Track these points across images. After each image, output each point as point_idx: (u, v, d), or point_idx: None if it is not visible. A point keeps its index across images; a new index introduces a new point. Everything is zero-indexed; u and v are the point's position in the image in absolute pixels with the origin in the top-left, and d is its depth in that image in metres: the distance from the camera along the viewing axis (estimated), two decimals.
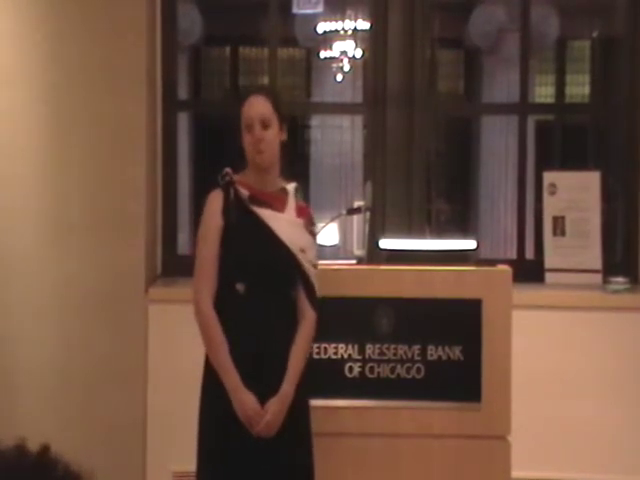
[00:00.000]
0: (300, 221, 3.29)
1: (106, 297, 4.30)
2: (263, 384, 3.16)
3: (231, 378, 3.14)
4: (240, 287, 3.19)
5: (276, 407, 3.14)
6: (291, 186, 3.34)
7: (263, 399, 3.15)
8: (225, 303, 3.20)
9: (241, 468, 3.17)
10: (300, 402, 3.23)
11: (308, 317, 3.25)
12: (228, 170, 3.29)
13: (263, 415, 3.12)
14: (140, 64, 4.37)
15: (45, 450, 1.27)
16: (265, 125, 3.25)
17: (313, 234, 3.34)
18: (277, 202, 3.28)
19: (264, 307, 3.20)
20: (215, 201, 3.25)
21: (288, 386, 3.17)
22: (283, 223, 3.25)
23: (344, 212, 3.96)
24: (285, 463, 3.20)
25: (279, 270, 3.23)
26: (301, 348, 3.23)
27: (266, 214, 3.24)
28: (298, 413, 3.23)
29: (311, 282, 3.26)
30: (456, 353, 3.53)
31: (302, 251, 3.24)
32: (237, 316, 3.19)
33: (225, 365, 3.14)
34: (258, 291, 3.20)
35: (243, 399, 3.12)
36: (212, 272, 3.20)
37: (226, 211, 3.22)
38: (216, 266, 3.21)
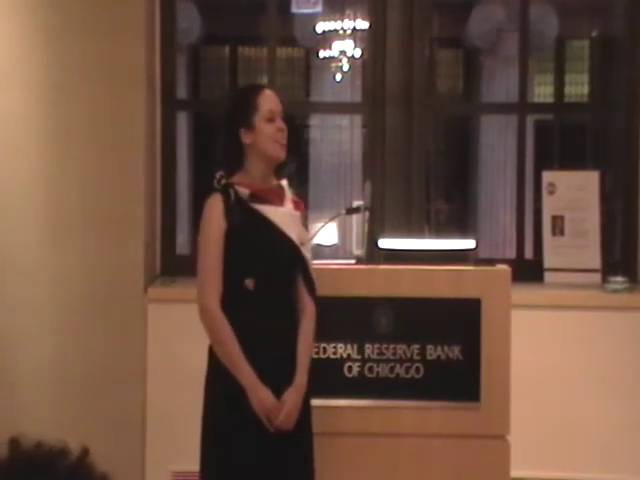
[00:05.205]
0: (298, 214, 3.33)
1: (105, 297, 4.30)
2: (280, 381, 3.17)
3: (247, 376, 3.14)
4: (249, 283, 3.19)
5: (293, 397, 3.16)
6: (284, 182, 3.38)
7: (278, 395, 3.16)
8: (235, 302, 3.20)
9: (249, 466, 3.18)
10: (303, 401, 3.24)
11: (309, 309, 3.27)
12: (222, 173, 3.29)
13: (281, 408, 3.13)
14: (139, 64, 4.37)
15: (85, 453, 1.30)
16: (282, 120, 3.30)
17: (307, 228, 3.39)
18: (276, 197, 3.30)
19: (274, 301, 3.22)
20: (215, 205, 3.23)
21: (301, 376, 3.20)
22: (284, 217, 3.28)
23: (343, 212, 3.96)
24: (293, 461, 3.21)
25: (285, 263, 3.26)
26: (307, 340, 3.25)
27: (267, 210, 3.26)
28: (302, 412, 3.23)
29: (310, 274, 3.28)
30: (455, 353, 3.53)
31: (302, 244, 3.28)
32: (248, 313, 3.19)
33: (239, 363, 3.14)
34: (267, 286, 3.21)
35: (261, 396, 3.13)
36: (217, 274, 3.19)
37: (228, 213, 3.22)
38: (221, 268, 3.20)
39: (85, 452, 1.30)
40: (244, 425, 3.15)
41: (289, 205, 3.32)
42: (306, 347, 3.25)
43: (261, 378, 3.14)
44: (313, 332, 3.28)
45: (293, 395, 3.17)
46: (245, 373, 3.14)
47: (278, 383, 3.17)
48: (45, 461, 1.27)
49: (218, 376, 3.20)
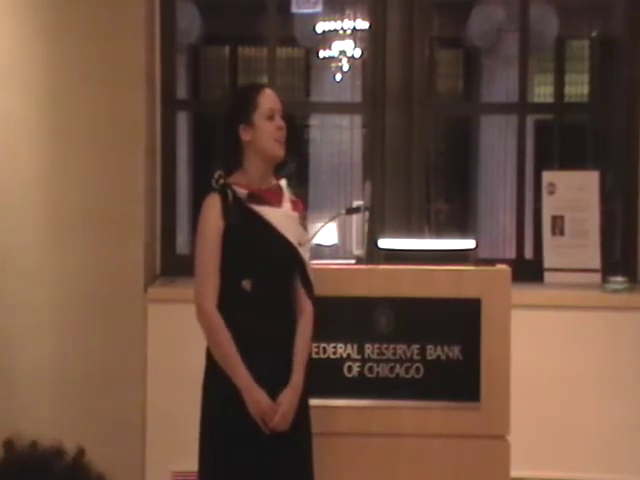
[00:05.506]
0: (296, 215, 3.32)
1: (105, 297, 4.30)
2: (276, 382, 3.17)
3: (243, 378, 3.13)
4: (246, 284, 3.18)
5: (289, 397, 3.16)
6: (283, 181, 3.37)
7: (274, 397, 3.16)
8: (232, 303, 3.19)
9: (247, 466, 3.18)
10: (301, 401, 3.24)
11: (307, 309, 3.27)
12: (221, 173, 3.28)
13: (277, 409, 3.13)
14: (139, 64, 4.37)
15: (80, 453, 1.30)
16: (282, 119, 3.30)
17: (305, 228, 3.37)
18: (274, 197, 3.30)
19: (271, 303, 3.21)
20: (213, 204, 3.22)
21: (297, 376, 3.19)
22: (282, 218, 3.27)
23: (343, 212, 3.95)
24: (290, 461, 3.21)
25: (283, 265, 3.25)
26: (305, 340, 3.25)
27: (265, 211, 3.25)
28: (299, 412, 3.23)
29: (308, 274, 3.27)
30: (455, 353, 3.53)
31: (300, 244, 3.27)
32: (245, 314, 3.18)
33: (235, 365, 3.14)
34: (264, 287, 3.20)
35: (257, 398, 3.13)
36: (214, 274, 3.19)
37: (226, 213, 3.21)
38: (218, 268, 3.20)
39: (81, 452, 1.30)
40: (241, 425, 3.15)
41: (287, 205, 3.30)
42: (303, 347, 3.24)
43: (258, 380, 3.14)
44: (310, 333, 3.28)
45: (289, 396, 3.17)
46: (241, 375, 3.13)
47: (275, 385, 3.16)
48: (40, 462, 1.27)
49: (215, 377, 3.20)
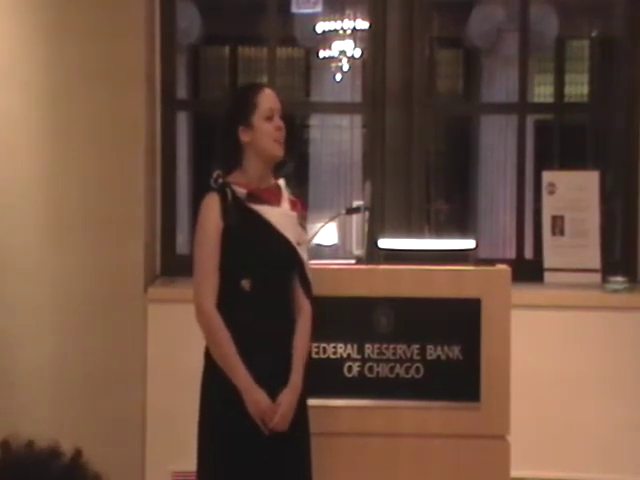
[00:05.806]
0: (294, 214, 3.31)
1: (105, 297, 4.30)
2: (276, 383, 3.16)
3: (242, 378, 3.13)
4: (245, 284, 3.18)
5: (288, 397, 3.15)
6: (282, 181, 3.37)
7: (274, 397, 3.15)
8: (231, 302, 3.19)
9: (246, 466, 3.17)
10: (300, 401, 3.24)
11: (305, 309, 3.27)
12: (219, 172, 3.28)
13: (276, 410, 3.13)
14: (139, 64, 4.37)
15: (78, 454, 1.30)
16: (281, 118, 3.30)
17: (304, 228, 3.37)
18: (273, 197, 3.30)
19: (270, 303, 3.21)
20: (212, 203, 3.22)
21: (296, 376, 3.19)
22: (281, 217, 3.27)
23: (343, 212, 3.95)
24: (289, 461, 3.21)
25: (282, 264, 3.25)
26: (304, 340, 3.24)
27: (265, 210, 3.25)
28: (298, 412, 3.23)
29: (307, 274, 3.27)
30: (455, 353, 3.53)
31: (298, 244, 3.27)
32: (244, 314, 3.18)
33: (235, 365, 3.13)
34: (263, 287, 3.20)
35: (256, 398, 3.12)
36: (213, 274, 3.18)
37: (225, 212, 3.21)
38: (217, 268, 3.19)
39: (78, 453, 1.30)
40: (241, 425, 3.15)
41: (286, 205, 3.30)
42: (302, 347, 3.24)
43: (257, 380, 3.13)
44: (309, 332, 3.28)
45: (288, 396, 3.16)
46: (241, 375, 3.13)
47: (274, 385, 3.16)
48: (37, 462, 1.27)
49: (215, 377, 3.20)
